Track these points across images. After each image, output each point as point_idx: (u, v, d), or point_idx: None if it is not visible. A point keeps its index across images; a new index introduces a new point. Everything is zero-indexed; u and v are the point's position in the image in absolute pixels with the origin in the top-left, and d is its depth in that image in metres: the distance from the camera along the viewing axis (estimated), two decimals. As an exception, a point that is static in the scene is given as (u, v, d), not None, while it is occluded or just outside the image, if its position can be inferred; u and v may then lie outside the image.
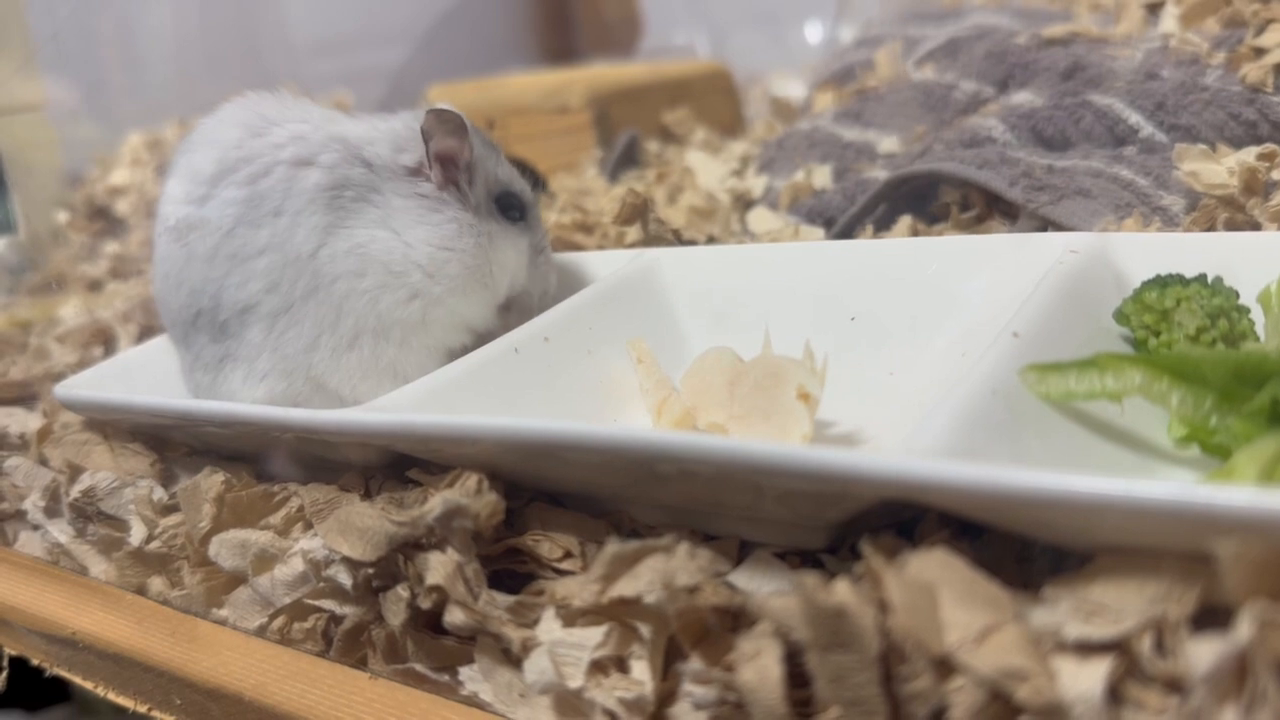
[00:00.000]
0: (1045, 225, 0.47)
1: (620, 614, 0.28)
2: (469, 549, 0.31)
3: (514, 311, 0.46)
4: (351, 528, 0.33)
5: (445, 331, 0.43)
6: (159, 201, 0.44)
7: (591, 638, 0.28)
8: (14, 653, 0.45)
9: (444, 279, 0.42)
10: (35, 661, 0.44)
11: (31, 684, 0.46)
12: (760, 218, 0.60)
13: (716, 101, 0.92)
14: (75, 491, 0.43)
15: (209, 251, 0.41)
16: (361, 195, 0.42)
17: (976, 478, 0.23)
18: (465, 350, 0.42)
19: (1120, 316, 0.35)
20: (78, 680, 0.42)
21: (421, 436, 0.33)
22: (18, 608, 0.43)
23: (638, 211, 0.55)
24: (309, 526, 0.37)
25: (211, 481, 0.38)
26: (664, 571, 0.27)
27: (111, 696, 0.41)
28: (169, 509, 0.41)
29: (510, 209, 0.45)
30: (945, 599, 0.24)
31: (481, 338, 0.43)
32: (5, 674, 0.47)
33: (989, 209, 0.50)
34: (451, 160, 0.43)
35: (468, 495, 0.31)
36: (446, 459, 0.34)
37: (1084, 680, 0.22)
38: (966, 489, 0.23)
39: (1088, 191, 0.47)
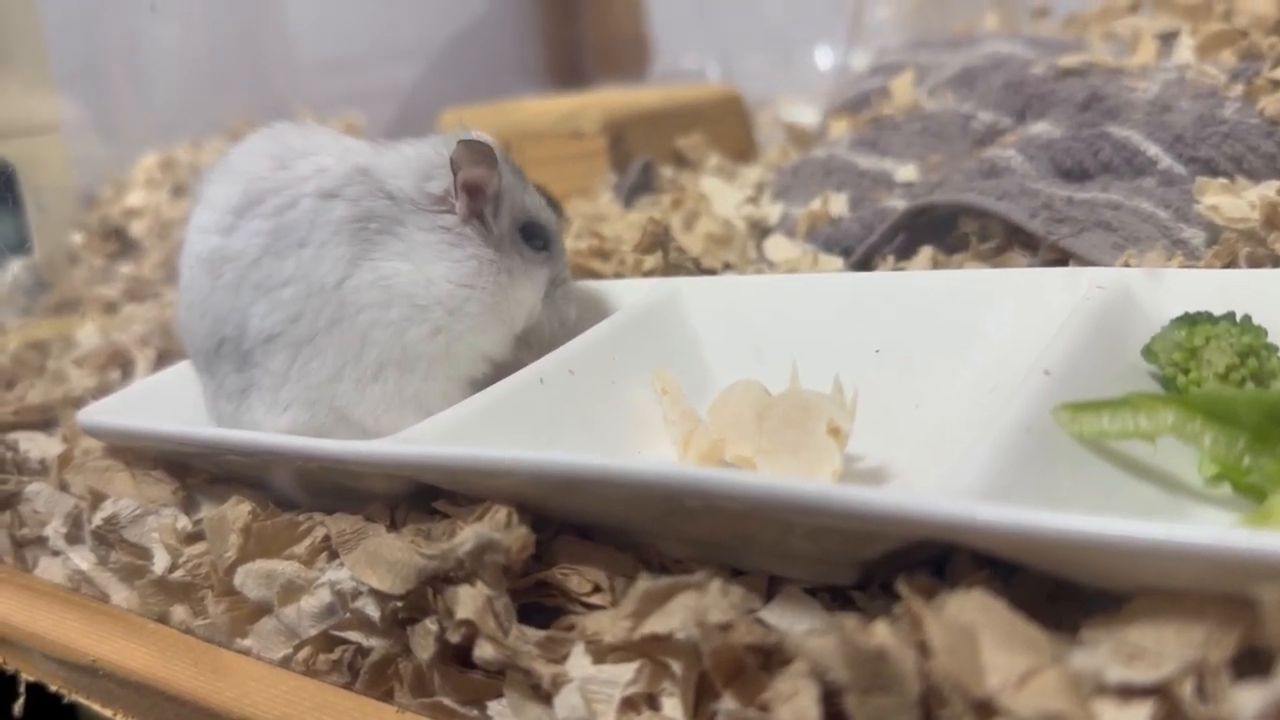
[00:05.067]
0: (1066, 257, 0.47)
1: (652, 651, 0.28)
2: (499, 583, 0.31)
3: (529, 343, 0.46)
4: (380, 560, 0.33)
5: (468, 364, 0.43)
6: (185, 230, 0.45)
7: (623, 674, 0.28)
8: (32, 679, 0.45)
9: (465, 317, 0.42)
10: (54, 688, 0.44)
11: (40, 710, 0.46)
12: (777, 246, 0.60)
13: (728, 127, 0.92)
14: (97, 519, 0.43)
15: (234, 281, 0.42)
16: (386, 228, 0.42)
17: (1019, 521, 0.23)
18: (486, 379, 0.42)
19: (1149, 354, 0.35)
20: (97, 708, 0.42)
21: (451, 469, 0.33)
22: (37, 634, 0.43)
23: (658, 240, 0.56)
24: (334, 557, 0.37)
25: (238, 511, 0.38)
26: (696, 608, 0.27)
27: (128, 725, 0.40)
28: (193, 537, 0.41)
29: (534, 238, 0.45)
30: (985, 641, 0.24)
31: (499, 367, 0.43)
32: (23, 700, 0.47)
33: (1009, 240, 0.50)
34: (479, 190, 0.43)
35: (498, 529, 0.31)
36: (473, 491, 0.34)
37: (1126, 725, 0.22)
38: (1008, 532, 0.24)
39: (1108, 224, 0.47)
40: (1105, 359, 0.34)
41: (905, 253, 0.53)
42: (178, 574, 0.40)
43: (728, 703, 0.27)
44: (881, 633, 0.24)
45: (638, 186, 0.77)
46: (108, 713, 0.41)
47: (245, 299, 0.41)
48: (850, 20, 1.08)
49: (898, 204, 0.57)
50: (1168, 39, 0.65)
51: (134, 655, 0.40)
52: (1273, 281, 0.37)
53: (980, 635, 0.24)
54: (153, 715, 0.39)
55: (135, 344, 0.63)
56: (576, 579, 0.32)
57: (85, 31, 1.10)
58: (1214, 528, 0.22)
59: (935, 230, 0.54)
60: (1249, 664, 0.22)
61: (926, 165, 0.62)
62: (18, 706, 0.46)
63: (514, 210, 0.44)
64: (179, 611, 0.40)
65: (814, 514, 0.26)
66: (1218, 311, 0.34)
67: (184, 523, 0.42)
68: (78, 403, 0.54)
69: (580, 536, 0.34)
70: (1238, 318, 0.34)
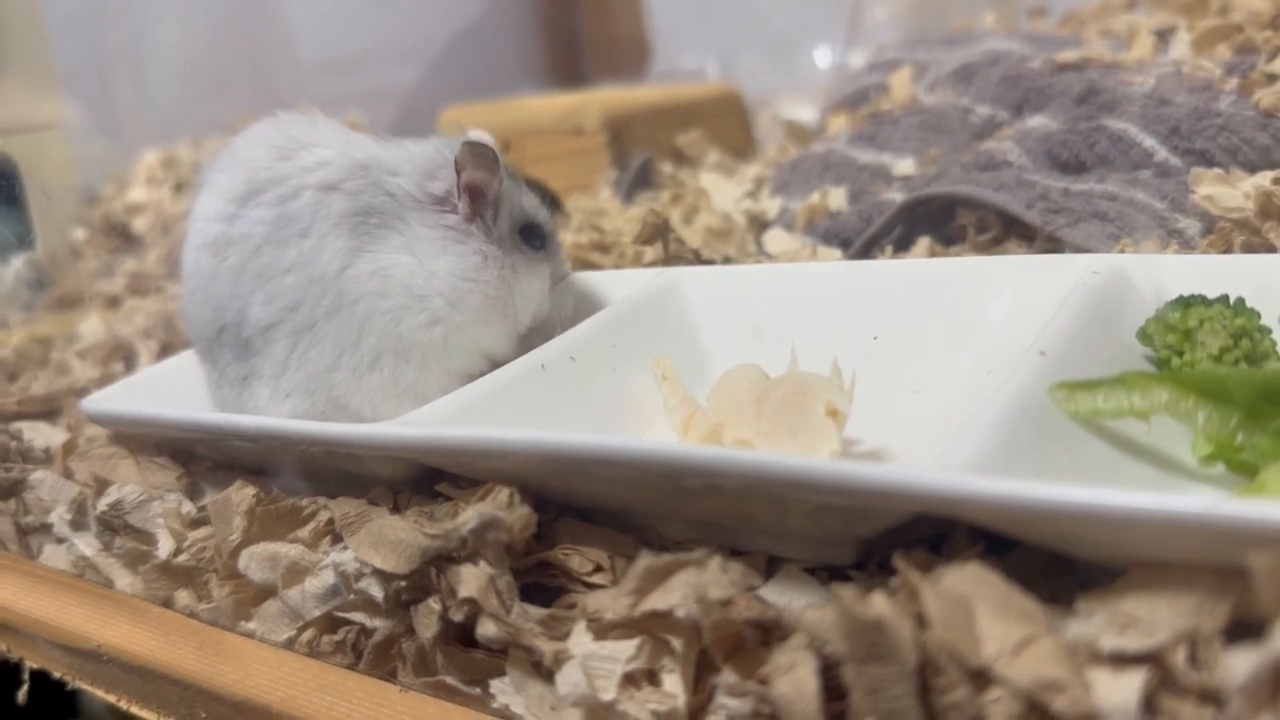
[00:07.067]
0: (1062, 248, 0.47)
1: (652, 627, 0.29)
2: (502, 561, 0.31)
3: (534, 337, 0.46)
4: (384, 540, 0.33)
5: (465, 358, 0.43)
6: (187, 218, 0.45)
7: (624, 650, 0.29)
8: (36, 666, 0.45)
9: (466, 309, 0.42)
10: (57, 675, 0.44)
11: (41, 702, 0.46)
12: (776, 239, 0.61)
13: (728, 124, 0.92)
14: (102, 505, 0.43)
15: (235, 268, 0.42)
16: (386, 222, 0.42)
17: (1015, 493, 0.24)
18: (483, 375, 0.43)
19: (1143, 336, 0.35)
20: (101, 694, 0.42)
21: (456, 450, 0.33)
22: (42, 620, 0.43)
23: (659, 231, 0.56)
24: (337, 540, 0.37)
25: (243, 495, 0.38)
26: (696, 585, 0.28)
27: (135, 710, 0.41)
28: (197, 522, 0.41)
29: (533, 239, 0.46)
30: (981, 612, 0.24)
31: (497, 366, 0.44)
32: (26, 687, 0.47)
33: (1006, 231, 0.51)
34: (480, 192, 0.43)
35: (501, 508, 0.32)
36: (476, 473, 0.35)
37: (1119, 691, 0.22)
38: (1004, 504, 0.24)
39: (1105, 214, 0.47)
40: (1100, 342, 0.34)
41: (903, 245, 0.54)
42: (182, 558, 0.40)
43: (727, 677, 0.27)
44: (879, 604, 0.24)
45: (638, 182, 0.78)
46: (112, 698, 0.41)
47: (247, 286, 0.42)
48: (849, 20, 1.08)
49: (896, 197, 0.57)
50: (1164, 35, 0.66)
51: (138, 640, 0.40)
52: (1266, 265, 0.37)
53: (976, 606, 0.24)
54: (157, 700, 0.39)
55: (138, 336, 0.64)
56: (578, 559, 0.33)
57: (87, 30, 1.10)
58: (1209, 498, 0.23)
59: (933, 222, 0.54)
60: (1242, 634, 0.23)
61: (925, 159, 0.63)
62: (21, 694, 0.47)
63: (513, 212, 0.45)
64: (183, 596, 0.40)
65: (810, 490, 0.27)
66: (1211, 295, 0.34)
67: (188, 508, 0.42)
68: (81, 393, 0.54)
69: (580, 519, 0.35)
70: (1231, 300, 0.34)
